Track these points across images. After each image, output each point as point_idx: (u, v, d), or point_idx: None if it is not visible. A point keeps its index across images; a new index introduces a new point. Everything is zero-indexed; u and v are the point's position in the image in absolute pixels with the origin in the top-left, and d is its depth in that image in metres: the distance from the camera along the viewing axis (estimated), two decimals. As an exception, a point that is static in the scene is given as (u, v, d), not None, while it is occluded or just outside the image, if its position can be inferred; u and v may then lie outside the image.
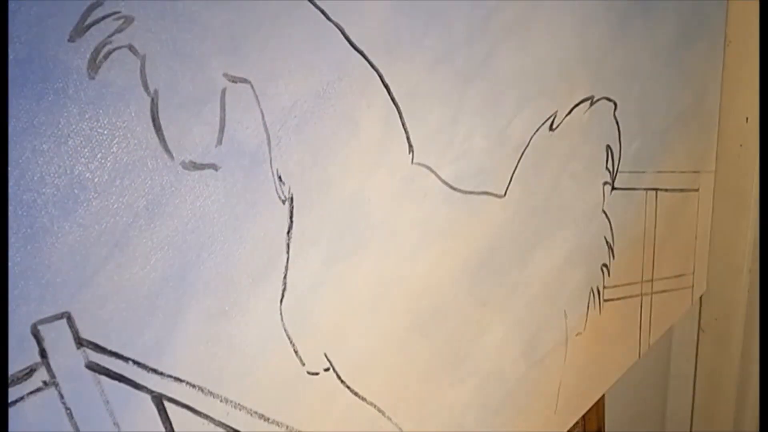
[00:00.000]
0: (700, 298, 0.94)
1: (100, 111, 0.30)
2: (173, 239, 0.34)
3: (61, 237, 0.30)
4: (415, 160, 0.45)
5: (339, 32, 0.37)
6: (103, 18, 0.29)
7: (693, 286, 0.88)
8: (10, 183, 0.28)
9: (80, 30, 0.28)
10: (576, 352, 0.67)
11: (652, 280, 0.76)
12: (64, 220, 0.30)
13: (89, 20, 0.29)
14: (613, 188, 0.64)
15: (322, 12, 0.36)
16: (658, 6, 0.60)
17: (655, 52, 0.62)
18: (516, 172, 0.53)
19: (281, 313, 0.40)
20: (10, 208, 0.29)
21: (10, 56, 0.27)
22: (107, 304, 0.32)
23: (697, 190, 0.77)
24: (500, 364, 0.58)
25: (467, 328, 0.53)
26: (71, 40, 0.28)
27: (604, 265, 0.67)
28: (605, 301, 0.69)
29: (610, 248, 0.67)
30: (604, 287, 0.68)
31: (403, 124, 0.43)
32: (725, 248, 0.91)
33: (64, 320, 0.31)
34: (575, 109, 0.57)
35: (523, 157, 0.53)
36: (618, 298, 0.71)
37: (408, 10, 0.41)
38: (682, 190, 0.76)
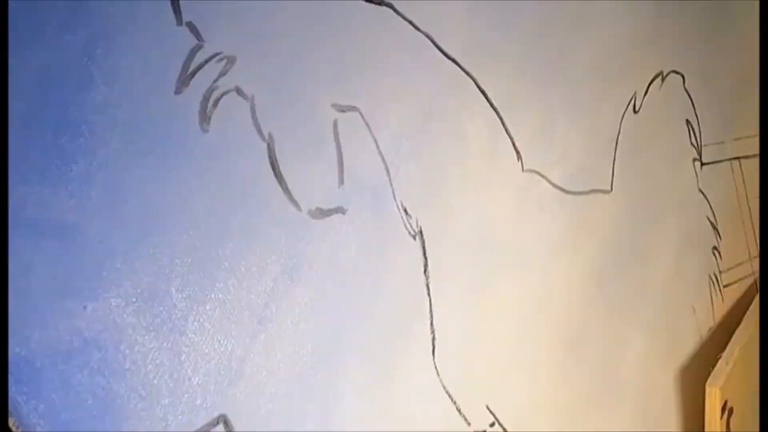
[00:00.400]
0: None
1: (219, 166, 0.26)
2: (316, 302, 0.29)
3: (201, 323, 0.25)
4: (525, 167, 0.40)
5: (430, 42, 0.34)
6: (206, 62, 0.25)
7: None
8: (140, 268, 0.24)
9: (185, 79, 0.25)
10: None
11: (758, 257, 0.70)
12: (202, 303, 0.25)
13: (192, 66, 0.25)
14: (702, 164, 0.60)
15: (411, 23, 0.33)
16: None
17: (701, 13, 0.60)
18: (616, 163, 0.49)
19: (436, 368, 0.34)
20: (142, 301, 0.24)
21: (119, 119, 0.23)
22: (262, 396, 0.27)
23: (772, 151, 0.73)
24: (647, 381, 0.52)
25: (611, 343, 0.47)
26: (178, 92, 0.25)
27: (715, 247, 0.61)
28: (724, 287, 0.63)
29: (715, 228, 0.62)
30: (720, 272, 0.62)
31: (507, 131, 0.39)
32: None
33: (221, 426, 0.26)
34: (650, 87, 0.54)
35: (618, 145, 0.49)
36: (734, 282, 0.65)
37: (482, 13, 0.37)
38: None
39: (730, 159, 0.64)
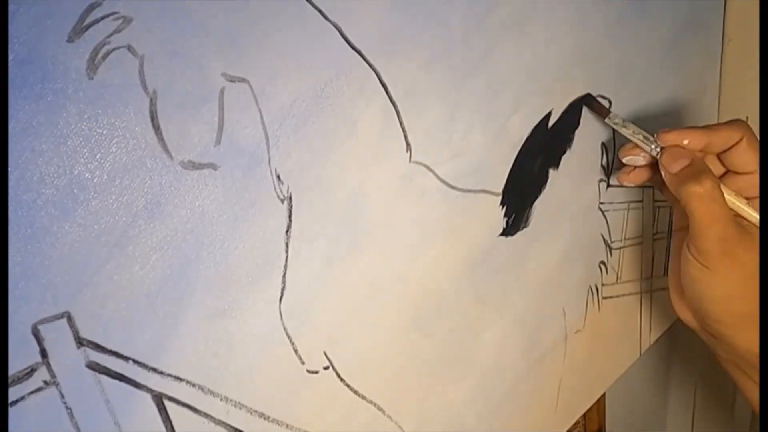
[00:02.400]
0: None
1: (99, 111, 0.30)
2: (173, 238, 0.34)
3: (60, 237, 0.30)
4: (413, 159, 0.45)
5: (337, 31, 0.38)
6: (102, 18, 0.29)
7: (692, 283, 0.88)
8: (10, 183, 0.28)
9: (79, 30, 0.29)
10: (576, 350, 0.67)
11: (651, 278, 0.76)
12: (64, 221, 0.30)
13: (88, 20, 0.29)
14: (609, 185, 0.64)
15: (320, 11, 0.37)
16: (654, 5, 0.61)
17: (651, 50, 0.63)
18: (513, 170, 0.53)
19: (280, 312, 0.40)
20: (10, 209, 0.29)
21: (9, 57, 0.27)
22: (107, 304, 0.33)
23: (694, 187, 0.77)
24: (500, 362, 0.58)
25: (467, 325, 0.53)
26: (70, 40, 0.29)
27: (602, 262, 0.67)
28: (604, 298, 0.69)
29: (608, 245, 0.67)
30: (602, 285, 0.68)
31: (401, 123, 0.43)
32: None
33: (65, 320, 0.31)
34: (571, 107, 0.57)
35: (520, 154, 0.53)
36: (617, 296, 0.71)
37: (405, 9, 0.41)
38: (679, 188, 0.76)
39: (642, 186, 0.69)
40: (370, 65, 0.40)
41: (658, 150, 0.52)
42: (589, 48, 0.56)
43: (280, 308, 0.40)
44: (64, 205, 0.30)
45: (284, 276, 0.40)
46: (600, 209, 0.64)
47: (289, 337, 0.41)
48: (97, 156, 0.31)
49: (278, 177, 0.38)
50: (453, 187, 0.48)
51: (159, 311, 0.35)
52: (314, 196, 0.40)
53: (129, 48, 0.30)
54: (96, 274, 0.32)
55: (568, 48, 0.54)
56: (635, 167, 0.55)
